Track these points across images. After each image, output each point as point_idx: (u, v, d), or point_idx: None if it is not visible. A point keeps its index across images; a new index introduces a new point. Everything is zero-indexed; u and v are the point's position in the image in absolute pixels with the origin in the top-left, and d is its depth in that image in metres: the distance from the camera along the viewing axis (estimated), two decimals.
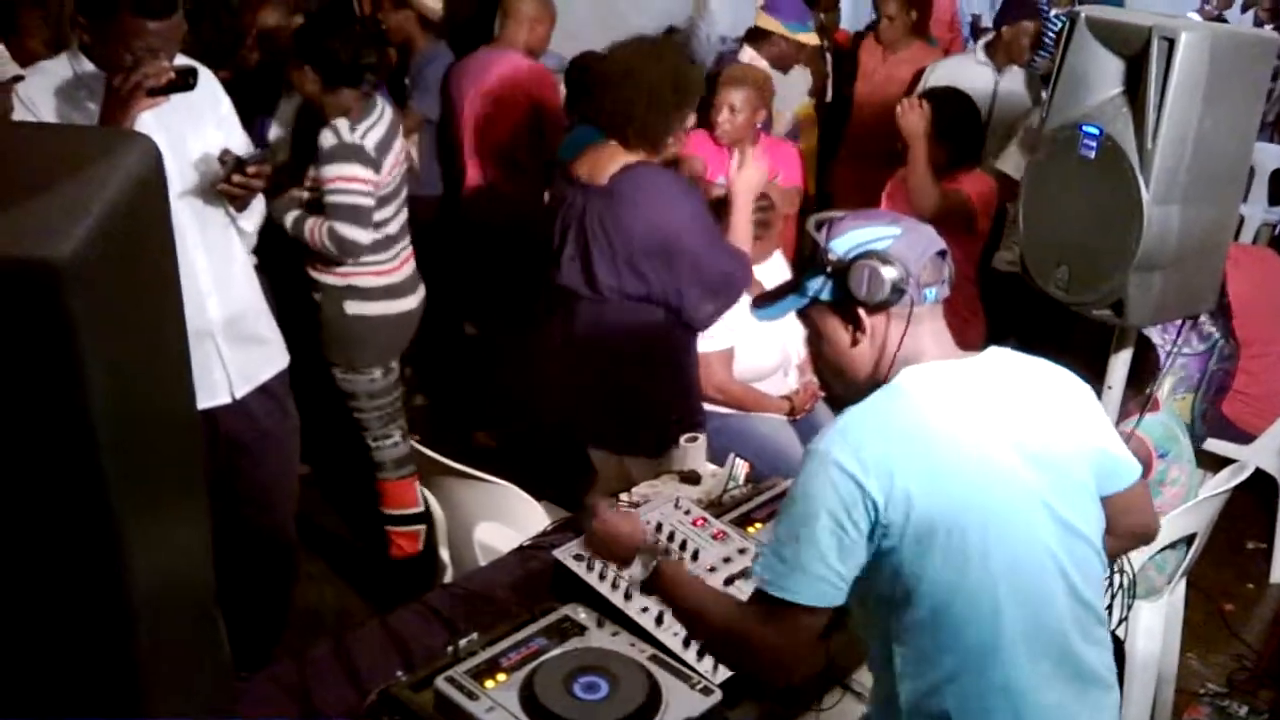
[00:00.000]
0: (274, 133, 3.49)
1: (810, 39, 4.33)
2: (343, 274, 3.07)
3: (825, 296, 1.51)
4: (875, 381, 1.52)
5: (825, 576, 1.41)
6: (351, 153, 2.92)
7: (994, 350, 1.55)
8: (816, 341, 1.59)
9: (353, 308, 3.11)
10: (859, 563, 1.42)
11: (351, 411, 3.22)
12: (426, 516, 3.34)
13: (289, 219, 3.01)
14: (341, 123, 2.94)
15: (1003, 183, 3.99)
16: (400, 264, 3.19)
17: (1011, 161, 4.11)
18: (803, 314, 1.58)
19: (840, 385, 1.61)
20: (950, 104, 3.64)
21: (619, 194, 2.52)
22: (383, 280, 3.13)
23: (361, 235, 2.96)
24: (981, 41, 4.76)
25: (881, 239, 1.47)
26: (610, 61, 2.62)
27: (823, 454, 1.41)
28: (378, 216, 3.03)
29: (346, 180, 2.92)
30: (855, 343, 1.51)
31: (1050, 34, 4.98)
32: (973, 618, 1.42)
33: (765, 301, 1.63)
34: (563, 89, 4.04)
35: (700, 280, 2.55)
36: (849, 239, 1.49)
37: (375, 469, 3.29)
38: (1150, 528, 1.75)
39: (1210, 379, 3.45)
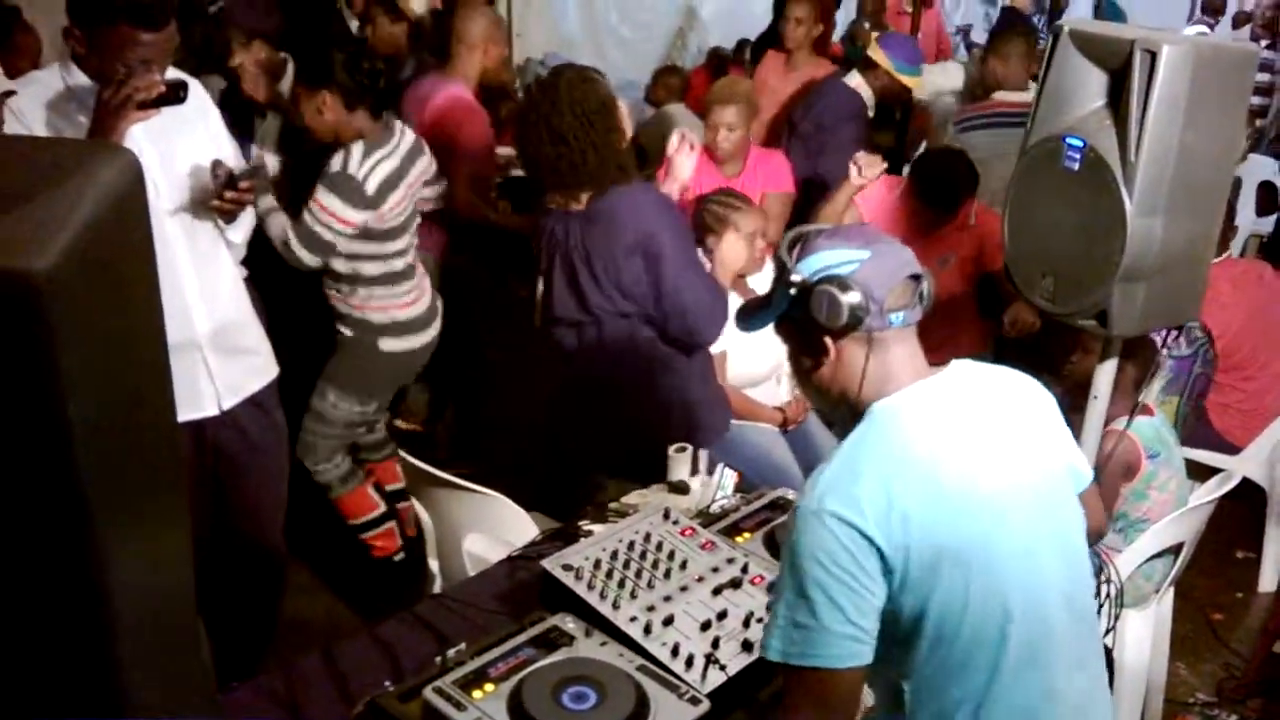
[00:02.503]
0: (254, 156, 3.47)
1: (914, 83, 4.27)
2: (375, 309, 3.08)
3: (791, 316, 1.51)
4: (846, 402, 1.51)
5: (851, 634, 1.38)
6: (343, 185, 2.89)
7: (957, 364, 1.54)
8: (792, 358, 1.59)
9: (387, 344, 3.13)
10: (878, 610, 1.40)
11: (309, 435, 3.20)
12: (392, 514, 3.38)
13: (261, 207, 2.91)
14: (356, 149, 2.91)
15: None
16: (420, 295, 3.21)
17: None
18: (778, 329, 1.58)
19: (816, 401, 1.61)
20: (932, 166, 3.70)
21: (598, 214, 2.55)
22: (408, 313, 3.16)
23: (309, 260, 2.95)
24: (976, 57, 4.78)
25: (847, 263, 1.45)
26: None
27: (815, 510, 1.39)
28: (386, 249, 3.03)
29: (323, 210, 2.90)
30: (820, 365, 1.51)
31: None
32: (980, 645, 1.42)
33: (745, 315, 1.63)
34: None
35: (679, 290, 2.57)
36: (815, 260, 1.48)
37: (325, 490, 3.30)
38: (1102, 526, 1.78)
39: (1194, 382, 3.49)
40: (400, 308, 3.13)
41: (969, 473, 1.44)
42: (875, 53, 4.21)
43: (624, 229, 2.53)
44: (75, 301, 0.63)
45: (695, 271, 2.62)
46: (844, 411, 1.53)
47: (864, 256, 1.46)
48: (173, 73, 2.24)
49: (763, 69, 4.82)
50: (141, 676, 0.73)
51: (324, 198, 2.90)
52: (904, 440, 1.44)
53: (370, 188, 2.92)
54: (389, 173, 2.96)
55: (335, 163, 2.91)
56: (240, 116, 3.45)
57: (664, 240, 2.54)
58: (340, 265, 3.03)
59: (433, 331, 3.25)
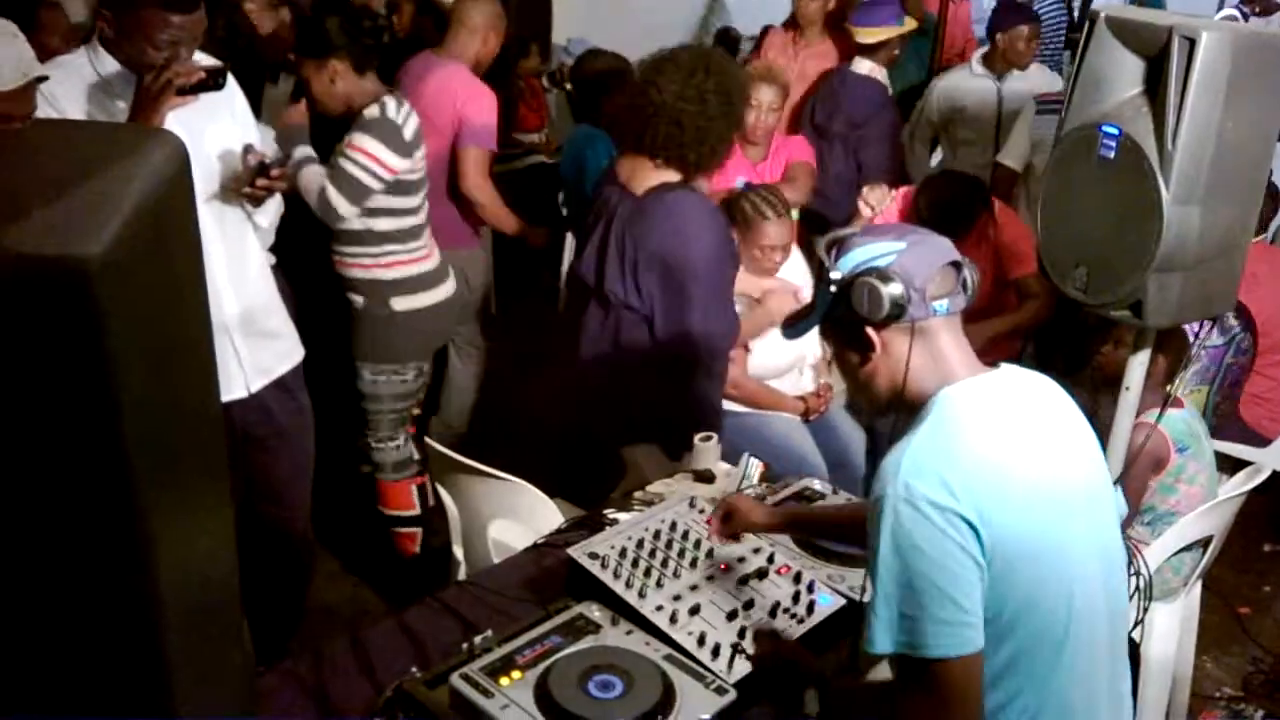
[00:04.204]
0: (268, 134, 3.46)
1: (911, 23, 4.29)
2: (386, 266, 3.05)
3: (834, 315, 1.51)
4: (897, 395, 1.50)
5: (962, 620, 1.35)
6: (387, 130, 2.87)
7: (1007, 366, 1.53)
8: (839, 358, 1.59)
9: (399, 303, 3.10)
10: (983, 593, 1.37)
11: (365, 412, 3.21)
12: (424, 519, 3.34)
13: (295, 156, 2.93)
14: (390, 99, 2.90)
15: (1003, 175, 4.00)
16: (431, 251, 3.19)
17: (1013, 154, 4.12)
18: (823, 331, 1.60)
19: (865, 400, 1.60)
20: (931, 195, 3.65)
21: (648, 210, 2.52)
22: (419, 268, 3.13)
23: (346, 209, 2.89)
24: (977, 54, 4.64)
25: (885, 254, 1.45)
26: (648, 89, 2.52)
27: (906, 497, 1.36)
28: (403, 204, 3.01)
29: (365, 154, 2.86)
30: (867, 360, 1.51)
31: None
32: (1043, 641, 1.42)
33: (790, 323, 1.64)
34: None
35: (688, 321, 2.55)
36: (852, 256, 1.48)
37: (375, 468, 3.29)
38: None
39: (1226, 372, 3.46)
40: (409, 263, 3.10)
41: (1037, 469, 1.43)
42: (869, 34, 4.16)
43: (662, 230, 2.51)
44: (125, 287, 0.63)
45: (716, 301, 2.59)
46: (897, 405, 1.51)
47: (900, 248, 1.46)
48: (203, 58, 2.24)
49: (770, 49, 4.65)
50: (188, 663, 0.73)
51: (365, 142, 2.86)
52: (977, 432, 1.42)
53: (408, 134, 2.92)
54: (418, 125, 2.97)
55: (373, 110, 2.88)
56: (248, 90, 3.45)
57: (695, 254, 2.51)
58: (355, 222, 2.99)
59: (446, 290, 3.21)
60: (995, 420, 1.45)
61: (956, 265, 1.49)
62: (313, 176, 2.90)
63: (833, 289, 1.48)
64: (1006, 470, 1.40)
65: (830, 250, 1.52)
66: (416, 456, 3.31)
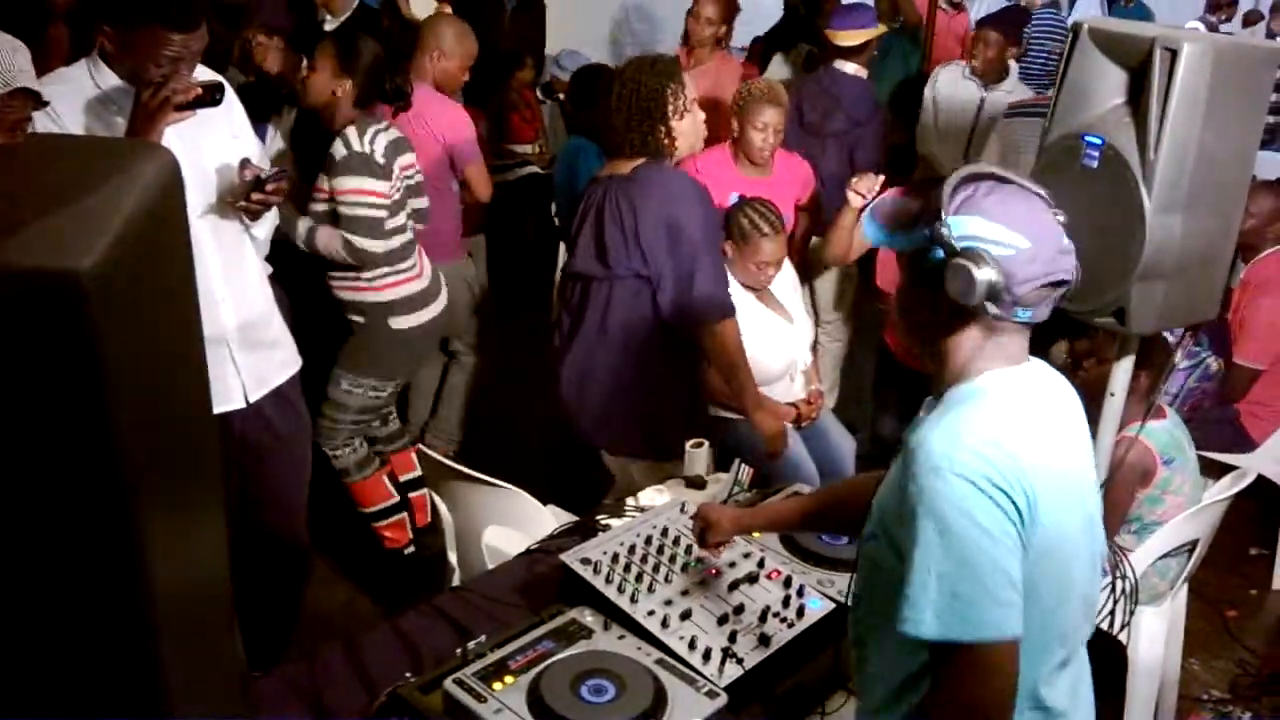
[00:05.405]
0: (275, 142, 3.51)
1: (883, 26, 4.39)
2: (380, 289, 3.14)
3: (919, 254, 1.39)
4: (939, 360, 1.44)
5: (1015, 600, 1.29)
6: (362, 163, 2.97)
7: (1036, 361, 1.50)
8: (904, 290, 1.48)
9: (398, 322, 3.18)
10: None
11: (324, 419, 3.24)
12: (404, 506, 3.42)
13: (301, 230, 3.06)
14: (350, 131, 2.99)
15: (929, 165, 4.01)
16: (422, 269, 3.26)
17: (948, 151, 4.16)
18: (901, 256, 1.47)
19: (903, 334, 1.52)
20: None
21: (640, 179, 2.69)
22: (415, 286, 3.21)
23: (375, 245, 3.03)
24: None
25: (1003, 246, 1.33)
26: (615, 86, 2.77)
27: (956, 470, 1.29)
28: (392, 224, 3.08)
29: (359, 193, 2.98)
30: (931, 323, 1.43)
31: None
32: (1032, 626, 1.37)
33: (881, 219, 1.45)
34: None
35: (691, 276, 2.66)
36: (973, 224, 1.34)
37: (340, 475, 3.34)
38: None
39: (1187, 396, 3.50)
40: (405, 283, 3.18)
41: (1063, 460, 1.41)
42: (850, 37, 4.17)
43: (658, 195, 2.65)
44: (118, 300, 0.64)
45: (712, 259, 2.72)
46: (932, 362, 1.45)
47: (1024, 247, 1.34)
48: (204, 72, 2.26)
49: None
50: (181, 669, 0.75)
51: (349, 183, 2.97)
52: (1020, 419, 1.38)
53: (379, 157, 3.02)
54: (388, 143, 3.06)
55: (338, 150, 2.99)
56: (260, 108, 3.48)
57: (692, 219, 2.66)
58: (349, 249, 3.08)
59: (438, 307, 3.29)
60: (1033, 410, 1.42)
61: (1059, 284, 1.39)
62: (329, 236, 3.03)
63: (937, 243, 1.35)
64: (1043, 459, 1.36)
65: (959, 189, 1.37)
66: (371, 452, 3.38)
